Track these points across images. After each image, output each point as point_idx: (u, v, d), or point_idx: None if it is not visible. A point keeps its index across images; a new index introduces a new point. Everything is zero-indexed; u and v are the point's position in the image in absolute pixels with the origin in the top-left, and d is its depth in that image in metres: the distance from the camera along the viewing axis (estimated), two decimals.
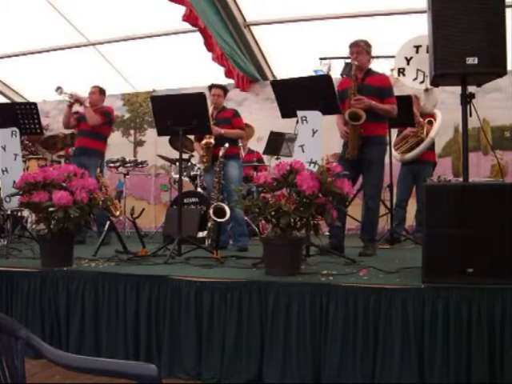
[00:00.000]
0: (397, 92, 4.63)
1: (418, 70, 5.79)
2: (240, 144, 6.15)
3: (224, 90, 5.33)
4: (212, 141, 4.99)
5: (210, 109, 5.11)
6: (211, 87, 5.29)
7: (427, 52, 5.71)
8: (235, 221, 5.05)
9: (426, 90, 5.78)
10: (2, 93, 9.11)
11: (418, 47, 5.84)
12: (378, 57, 6.84)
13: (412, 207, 5.85)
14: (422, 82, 5.77)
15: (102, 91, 5.95)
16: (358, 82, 4.24)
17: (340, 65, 6.88)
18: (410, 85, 5.89)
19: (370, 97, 4.14)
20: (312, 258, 3.83)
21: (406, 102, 5.18)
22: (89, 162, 5.42)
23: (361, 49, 4.28)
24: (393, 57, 6.09)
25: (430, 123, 5.70)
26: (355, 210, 4.62)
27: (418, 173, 5.64)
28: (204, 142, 5.03)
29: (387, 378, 2.58)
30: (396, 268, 3.24)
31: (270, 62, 7.95)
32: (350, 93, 4.16)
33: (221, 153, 4.90)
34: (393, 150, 5.63)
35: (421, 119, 5.62)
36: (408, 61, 5.87)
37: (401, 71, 5.93)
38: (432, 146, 5.76)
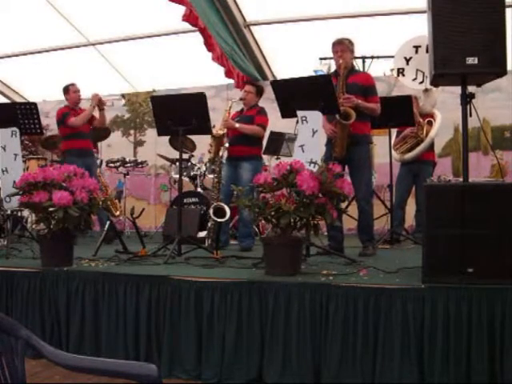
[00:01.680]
0: (397, 92, 4.64)
1: (417, 70, 5.78)
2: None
3: (257, 87, 5.13)
4: (221, 132, 4.89)
5: (240, 105, 5.07)
6: (245, 83, 5.24)
7: (427, 52, 5.70)
8: (241, 222, 5.01)
9: (426, 90, 5.77)
10: (2, 93, 9.11)
11: (417, 47, 5.83)
12: (378, 57, 6.86)
13: (411, 207, 5.85)
14: (421, 82, 5.76)
15: None
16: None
17: None
18: (409, 85, 5.88)
19: (354, 95, 4.14)
20: (312, 258, 3.83)
21: (406, 101, 5.18)
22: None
23: (345, 47, 4.27)
24: (392, 57, 6.09)
25: (430, 123, 5.70)
26: (355, 209, 4.62)
27: (417, 173, 5.64)
28: (214, 132, 4.90)
29: (387, 378, 2.58)
30: (396, 268, 3.23)
31: (270, 62, 7.95)
32: (338, 91, 4.15)
33: (220, 153, 4.89)
34: (392, 150, 5.62)
35: (420, 119, 5.62)
36: (407, 61, 5.86)
37: (400, 71, 5.92)
38: (431, 146, 5.76)
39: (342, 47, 4.26)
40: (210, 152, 5.08)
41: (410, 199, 5.88)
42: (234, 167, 4.94)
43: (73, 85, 5.87)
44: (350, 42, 4.34)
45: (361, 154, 4.24)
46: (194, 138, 6.39)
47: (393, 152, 5.62)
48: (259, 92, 5.10)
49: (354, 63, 4.56)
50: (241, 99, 5.05)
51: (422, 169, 5.62)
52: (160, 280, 3.07)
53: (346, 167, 4.30)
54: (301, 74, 4.41)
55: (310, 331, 2.73)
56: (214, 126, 4.87)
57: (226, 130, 4.94)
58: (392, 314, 2.62)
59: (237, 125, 4.87)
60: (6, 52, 8.33)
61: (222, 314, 2.90)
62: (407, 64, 5.87)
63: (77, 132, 5.67)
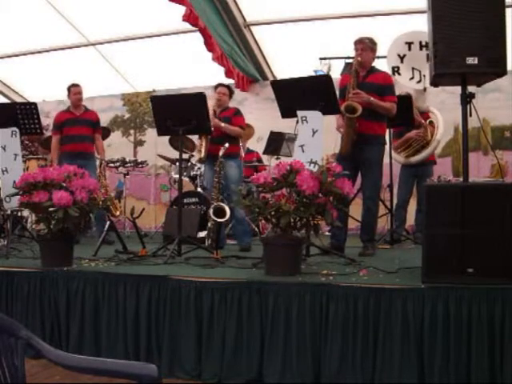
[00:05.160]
0: (397, 92, 4.59)
1: (413, 68, 5.73)
2: (240, 144, 6.10)
3: (229, 89, 5.32)
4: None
5: (214, 107, 5.06)
6: (217, 86, 5.29)
7: (420, 49, 5.68)
8: (236, 220, 5.03)
9: (425, 89, 5.73)
10: (2, 93, 9.11)
11: (410, 44, 5.78)
12: (377, 57, 6.85)
13: (411, 207, 5.84)
14: (419, 82, 5.72)
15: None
16: (360, 79, 4.23)
17: (340, 65, 6.89)
18: (406, 84, 5.81)
19: (371, 94, 4.12)
20: (312, 258, 3.83)
21: (406, 101, 5.16)
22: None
23: (365, 46, 4.25)
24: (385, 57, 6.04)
25: (431, 124, 5.66)
26: (355, 209, 4.61)
27: (421, 174, 5.60)
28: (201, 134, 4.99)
29: (387, 378, 2.58)
30: (396, 268, 3.24)
31: (270, 62, 7.95)
32: (349, 87, 4.15)
33: (221, 152, 4.89)
34: (392, 151, 5.59)
35: (422, 121, 5.58)
36: (401, 58, 5.81)
37: (395, 70, 5.86)
38: None
39: (362, 46, 4.25)
40: (199, 152, 5.08)
41: (412, 199, 5.87)
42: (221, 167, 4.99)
43: (74, 86, 5.85)
44: (372, 41, 4.32)
45: (371, 153, 4.21)
46: (193, 138, 6.39)
47: (395, 154, 5.58)
48: (231, 94, 5.35)
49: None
50: (217, 102, 5.16)
51: (424, 170, 5.60)
52: (160, 280, 3.07)
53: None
54: (301, 74, 4.40)
55: (309, 331, 2.73)
56: None
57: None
58: (392, 314, 2.62)
59: (222, 124, 4.97)
60: (6, 52, 8.33)
61: (222, 314, 2.89)
62: (401, 62, 5.81)
63: (68, 135, 5.68)
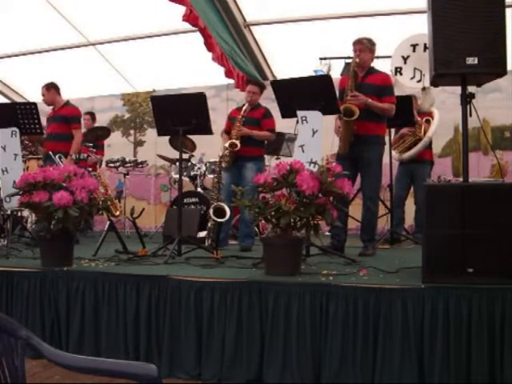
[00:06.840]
0: (397, 92, 4.61)
1: (415, 68, 5.76)
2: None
3: (260, 86, 5.13)
4: (237, 143, 4.80)
5: (245, 106, 5.01)
6: (248, 83, 5.21)
7: (424, 51, 5.72)
8: (243, 222, 5.00)
9: (424, 88, 5.75)
10: (2, 93, 9.12)
11: (414, 46, 5.82)
12: (377, 57, 6.85)
13: (411, 207, 5.84)
14: (419, 81, 5.74)
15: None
16: (359, 80, 4.24)
17: (340, 65, 6.89)
18: (407, 84, 5.84)
19: (369, 95, 4.13)
20: (312, 258, 3.83)
21: (406, 102, 5.17)
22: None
23: (363, 46, 4.26)
24: (390, 57, 6.06)
25: (428, 122, 5.66)
26: (355, 209, 4.62)
27: (415, 172, 5.61)
28: (229, 142, 4.86)
29: (387, 378, 2.58)
30: (396, 268, 3.23)
31: (270, 62, 7.96)
32: (347, 89, 4.16)
33: (221, 153, 4.89)
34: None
35: (418, 118, 5.59)
36: (405, 60, 5.85)
37: (398, 70, 5.90)
38: (429, 145, 5.73)
39: (360, 46, 4.25)
40: (227, 163, 4.97)
41: (410, 199, 5.87)
42: (237, 167, 4.95)
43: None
44: (370, 42, 4.32)
45: (370, 153, 4.21)
46: (194, 137, 6.39)
47: (392, 152, 5.60)
48: (262, 91, 5.14)
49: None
50: (247, 101, 5.04)
51: (418, 168, 5.59)
52: (160, 280, 3.07)
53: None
54: (301, 74, 4.40)
55: (309, 331, 2.73)
56: (230, 138, 4.88)
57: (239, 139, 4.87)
58: (392, 314, 2.62)
59: (251, 132, 4.86)
60: (6, 52, 8.34)
61: (222, 313, 2.90)
62: (405, 63, 5.85)
63: (49, 133, 5.55)
